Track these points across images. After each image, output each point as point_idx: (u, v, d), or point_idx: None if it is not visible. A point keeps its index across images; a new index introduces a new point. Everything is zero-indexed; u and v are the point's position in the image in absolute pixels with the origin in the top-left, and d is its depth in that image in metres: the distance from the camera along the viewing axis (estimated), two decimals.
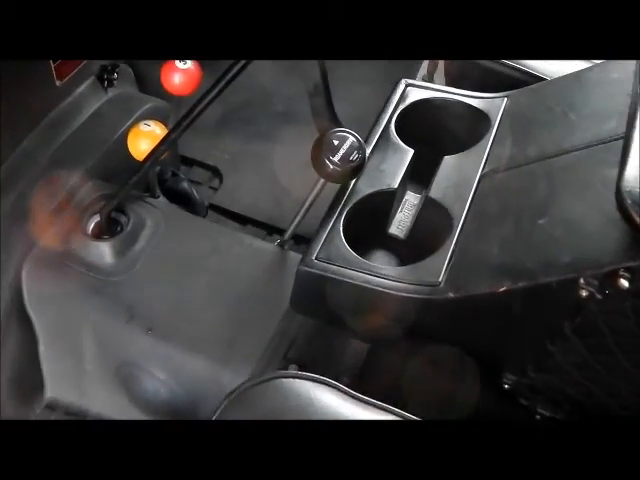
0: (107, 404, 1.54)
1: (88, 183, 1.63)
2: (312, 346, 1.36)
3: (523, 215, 1.12)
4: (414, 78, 1.95)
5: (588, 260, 0.99)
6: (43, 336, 1.57)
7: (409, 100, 1.46)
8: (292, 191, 2.01)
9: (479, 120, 1.39)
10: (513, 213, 1.14)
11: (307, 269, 1.19)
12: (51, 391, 1.64)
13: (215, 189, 2.07)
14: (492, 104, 1.41)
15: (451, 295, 1.10)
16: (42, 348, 1.58)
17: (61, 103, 1.68)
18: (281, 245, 1.56)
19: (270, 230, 1.96)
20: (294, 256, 1.54)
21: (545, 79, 1.50)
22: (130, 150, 1.51)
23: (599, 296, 0.97)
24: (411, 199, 1.38)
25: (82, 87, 1.72)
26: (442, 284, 1.13)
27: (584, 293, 0.98)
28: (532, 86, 1.41)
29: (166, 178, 1.81)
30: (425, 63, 1.92)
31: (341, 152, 1.26)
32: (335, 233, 1.23)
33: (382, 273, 1.17)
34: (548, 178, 1.15)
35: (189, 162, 2.11)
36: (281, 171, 2.08)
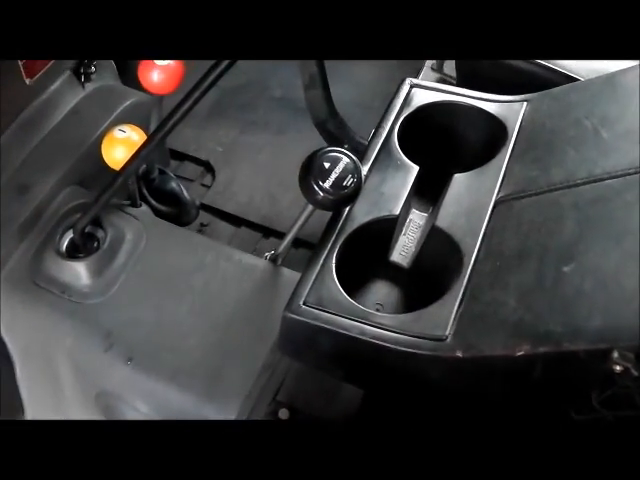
0: None
1: (62, 191, 1.50)
2: (303, 387, 1.23)
3: (546, 258, 0.96)
4: (422, 63, 1.81)
5: (624, 328, 0.83)
6: (19, 359, 1.46)
7: (414, 104, 1.28)
8: (289, 186, 1.88)
9: (494, 129, 1.22)
10: (534, 255, 0.97)
11: (294, 316, 1.04)
12: (31, 414, 1.56)
13: (207, 187, 1.93)
14: (510, 110, 1.23)
15: (459, 354, 0.94)
16: (18, 371, 1.48)
17: (32, 103, 1.54)
18: (273, 260, 1.40)
19: (266, 232, 1.82)
20: (287, 274, 1.40)
21: (568, 76, 1.33)
22: (105, 159, 1.37)
23: (636, 373, 0.80)
24: (416, 219, 1.22)
25: (56, 84, 1.58)
26: (449, 339, 0.97)
27: (618, 368, 0.82)
28: (555, 90, 1.23)
29: (153, 177, 1.66)
30: None
31: (333, 176, 1.09)
32: (326, 272, 1.07)
33: (380, 322, 1.02)
34: (576, 212, 0.99)
35: (179, 156, 1.97)
36: (278, 164, 1.94)
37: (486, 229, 1.07)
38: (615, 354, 0.82)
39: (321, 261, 1.09)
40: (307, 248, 1.70)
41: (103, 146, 1.37)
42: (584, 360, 0.85)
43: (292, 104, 2.02)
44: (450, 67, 1.73)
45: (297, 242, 1.59)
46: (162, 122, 1.24)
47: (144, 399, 1.33)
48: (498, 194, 1.12)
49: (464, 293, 1.01)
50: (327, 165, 1.10)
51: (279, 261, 1.40)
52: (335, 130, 1.67)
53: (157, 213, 1.57)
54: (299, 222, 1.21)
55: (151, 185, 1.64)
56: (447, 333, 0.98)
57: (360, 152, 1.22)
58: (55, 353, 1.39)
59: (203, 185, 1.94)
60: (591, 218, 0.97)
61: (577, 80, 1.40)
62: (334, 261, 1.09)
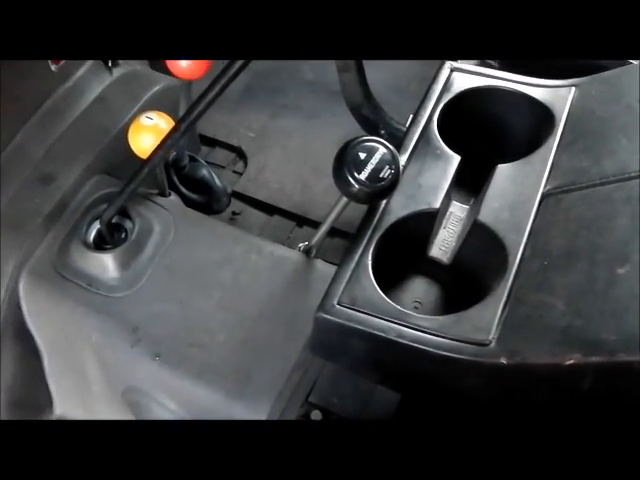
0: None
1: (89, 181, 1.47)
2: (337, 388, 1.18)
3: (598, 259, 0.89)
4: None
5: None
6: (47, 352, 1.45)
7: (455, 89, 1.22)
8: (323, 173, 1.82)
9: (541, 116, 1.16)
10: (584, 254, 0.91)
11: (327, 317, 0.98)
12: (60, 408, 1.55)
13: (239, 174, 1.87)
14: (557, 95, 1.16)
15: (503, 361, 0.88)
16: (47, 364, 1.46)
17: (58, 90, 1.51)
18: (307, 251, 1.35)
19: (300, 221, 1.76)
20: (321, 266, 1.35)
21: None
22: (132, 147, 1.33)
23: None
24: (457, 211, 1.16)
25: (82, 70, 1.54)
26: (492, 343, 0.91)
27: None
28: (606, 74, 1.16)
29: (184, 165, 1.61)
30: None
31: (369, 168, 1.03)
32: (362, 270, 1.01)
33: (419, 324, 0.96)
34: (631, 208, 0.92)
35: (210, 142, 1.92)
36: (311, 149, 1.88)
37: (532, 225, 1.01)
38: None
39: (356, 258, 1.03)
40: (343, 238, 1.65)
41: (130, 134, 1.32)
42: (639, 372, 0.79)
43: (325, 88, 1.96)
44: None
45: (332, 231, 1.52)
46: (189, 108, 1.19)
47: (171, 396, 1.29)
48: (545, 187, 1.05)
49: (508, 295, 0.95)
50: (362, 156, 1.04)
51: (313, 252, 1.35)
52: (370, 115, 1.60)
53: (188, 201, 1.53)
54: (333, 213, 1.15)
55: (181, 173, 1.60)
56: (490, 338, 0.92)
57: (397, 137, 1.17)
58: (81, 348, 1.37)
59: (235, 172, 1.89)
60: None
61: (628, 63, 1.32)
62: (370, 258, 1.03)
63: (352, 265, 1.03)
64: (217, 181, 1.68)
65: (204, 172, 1.67)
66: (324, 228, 1.23)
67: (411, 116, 1.24)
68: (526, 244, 0.99)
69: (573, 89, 1.17)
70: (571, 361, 0.83)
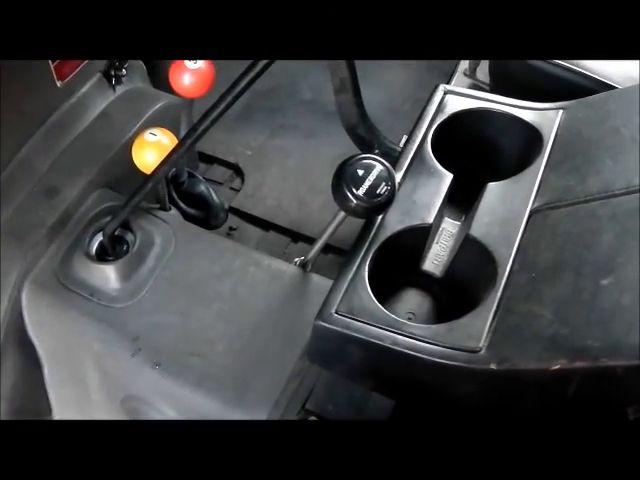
0: None
1: (92, 194, 1.50)
2: (332, 396, 1.21)
3: (583, 271, 0.94)
4: (452, 63, 1.79)
5: None
6: (47, 361, 1.47)
7: (448, 111, 1.27)
8: (319, 190, 1.87)
9: (530, 137, 1.21)
10: (570, 267, 0.95)
11: (325, 325, 1.03)
12: (59, 415, 1.57)
13: (236, 190, 1.92)
14: (545, 117, 1.21)
15: (493, 367, 0.92)
16: (47, 373, 1.49)
17: (63, 105, 1.54)
18: (302, 266, 1.39)
19: (295, 237, 1.81)
20: (317, 280, 1.39)
21: (604, 83, 1.31)
22: (135, 162, 1.36)
23: None
24: (449, 227, 1.20)
25: (86, 86, 1.57)
26: (483, 350, 0.95)
27: None
28: (592, 97, 1.21)
29: (182, 181, 1.65)
30: None
31: (367, 184, 1.08)
32: (359, 280, 1.06)
33: (413, 332, 1.00)
34: (614, 224, 0.97)
35: (208, 159, 1.96)
36: (307, 167, 1.93)
37: (521, 239, 1.05)
38: None
39: (353, 269, 1.08)
40: (336, 254, 1.69)
41: (134, 149, 1.35)
42: (621, 376, 0.83)
43: (322, 108, 2.01)
44: (483, 73, 1.71)
45: (327, 248, 1.57)
46: (194, 125, 1.22)
47: (171, 404, 1.32)
48: (533, 204, 1.10)
49: (498, 305, 0.99)
50: (360, 172, 1.08)
51: (309, 267, 1.39)
52: (365, 134, 1.65)
53: (186, 216, 1.57)
54: (330, 228, 1.19)
55: (180, 188, 1.63)
56: (481, 345, 0.96)
57: (391, 157, 1.21)
58: (83, 356, 1.39)
59: (232, 189, 1.94)
60: (630, 230, 0.95)
61: (613, 87, 1.38)
62: (366, 270, 1.08)
63: (349, 276, 1.07)
64: (215, 197, 1.72)
65: (202, 188, 1.71)
66: (320, 243, 1.28)
67: (405, 136, 1.29)
68: (515, 257, 1.04)
69: (561, 112, 1.22)
70: (557, 366, 0.87)
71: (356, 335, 1.02)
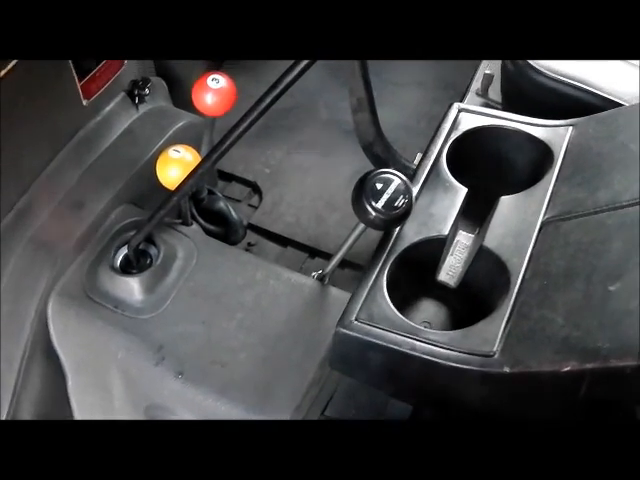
0: None
1: (116, 209, 1.54)
2: (352, 403, 1.25)
3: (593, 278, 0.98)
4: (465, 82, 1.84)
5: None
6: (71, 372, 1.51)
7: (462, 128, 1.31)
8: (336, 207, 1.91)
9: (541, 153, 1.25)
10: (581, 274, 1.00)
11: (346, 332, 1.07)
12: None
13: (255, 207, 1.96)
14: (555, 134, 1.26)
15: (507, 370, 0.96)
16: (70, 383, 1.52)
17: (89, 123, 1.58)
18: (321, 279, 1.43)
19: (312, 252, 1.85)
20: (335, 292, 1.43)
21: (612, 101, 1.35)
22: (159, 178, 1.41)
23: None
24: (463, 240, 1.24)
25: (111, 105, 1.62)
26: (497, 355, 0.99)
27: None
28: (601, 114, 1.26)
29: (202, 197, 1.70)
30: (479, 76, 1.77)
31: (385, 197, 1.12)
32: (377, 290, 1.10)
33: (430, 338, 1.04)
34: (622, 233, 1.01)
35: (227, 177, 2.01)
36: (325, 185, 1.97)
37: (533, 249, 1.10)
38: None
39: (372, 279, 1.12)
40: (352, 269, 1.73)
41: (158, 165, 1.39)
42: (630, 376, 0.87)
43: (338, 126, 2.05)
44: (495, 92, 1.76)
45: (343, 263, 1.60)
46: (218, 143, 1.26)
47: (194, 412, 1.35)
48: (545, 215, 1.14)
49: (511, 311, 1.04)
50: (379, 186, 1.13)
51: (326, 280, 1.43)
52: (382, 153, 1.70)
53: (206, 232, 1.61)
54: (348, 242, 1.23)
55: (200, 205, 1.67)
56: (495, 349, 1.00)
57: (405, 174, 1.25)
58: (107, 366, 1.42)
59: (250, 205, 1.98)
60: (637, 239, 0.99)
61: (621, 105, 1.42)
62: (385, 279, 1.12)
63: (369, 285, 1.11)
64: (234, 214, 1.76)
65: (221, 205, 1.75)
66: (339, 256, 1.31)
67: (419, 154, 1.33)
68: (527, 266, 1.08)
69: (571, 128, 1.27)
70: (568, 367, 0.91)
71: (375, 341, 1.06)
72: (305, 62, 1.09)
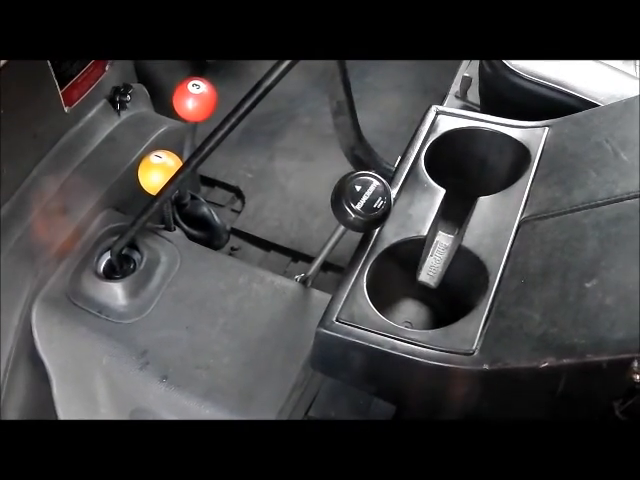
0: None
1: (99, 215, 1.55)
2: (335, 404, 1.25)
3: (569, 275, 1.00)
4: (446, 86, 1.85)
5: None
6: (56, 378, 1.50)
7: (440, 130, 1.33)
8: (318, 211, 1.92)
9: (518, 153, 1.27)
10: (558, 272, 1.01)
11: (327, 332, 1.08)
12: None
13: (237, 212, 1.97)
14: (532, 135, 1.28)
15: (486, 367, 0.98)
16: (55, 389, 1.52)
17: (70, 129, 1.59)
18: (303, 282, 1.44)
19: (295, 256, 1.86)
20: (317, 295, 1.44)
21: (588, 102, 1.37)
22: (141, 183, 1.41)
23: None
24: (442, 240, 1.26)
25: (93, 111, 1.63)
26: (476, 352, 1.01)
27: (638, 377, 0.85)
28: (577, 115, 1.28)
29: (185, 203, 1.71)
30: (458, 79, 1.79)
31: (364, 199, 1.13)
32: (358, 290, 1.11)
33: (410, 338, 1.06)
34: (597, 231, 1.03)
35: (209, 182, 2.02)
36: (307, 189, 1.98)
37: (511, 248, 1.11)
38: (635, 364, 0.85)
39: (352, 280, 1.13)
40: (335, 271, 1.74)
41: (140, 171, 1.40)
42: (606, 371, 0.89)
43: (320, 131, 2.07)
44: (473, 95, 1.77)
45: (325, 266, 1.62)
46: (199, 147, 1.26)
47: (178, 416, 1.35)
48: (522, 215, 1.16)
49: (490, 309, 1.05)
50: (358, 188, 1.14)
51: (309, 283, 1.44)
52: (363, 156, 1.71)
53: (189, 237, 1.61)
54: (329, 244, 1.24)
55: (183, 210, 1.68)
56: (474, 347, 1.02)
57: (387, 177, 1.27)
58: (91, 371, 1.43)
59: (233, 210, 1.99)
60: (612, 236, 1.01)
61: (596, 106, 1.44)
62: (365, 279, 1.13)
63: (349, 286, 1.12)
64: (217, 218, 1.76)
65: (204, 210, 1.76)
66: (320, 258, 1.32)
67: (401, 155, 1.35)
68: (505, 265, 1.09)
69: (547, 129, 1.29)
70: (546, 363, 0.93)
71: (357, 341, 1.07)
72: (284, 65, 1.10)
